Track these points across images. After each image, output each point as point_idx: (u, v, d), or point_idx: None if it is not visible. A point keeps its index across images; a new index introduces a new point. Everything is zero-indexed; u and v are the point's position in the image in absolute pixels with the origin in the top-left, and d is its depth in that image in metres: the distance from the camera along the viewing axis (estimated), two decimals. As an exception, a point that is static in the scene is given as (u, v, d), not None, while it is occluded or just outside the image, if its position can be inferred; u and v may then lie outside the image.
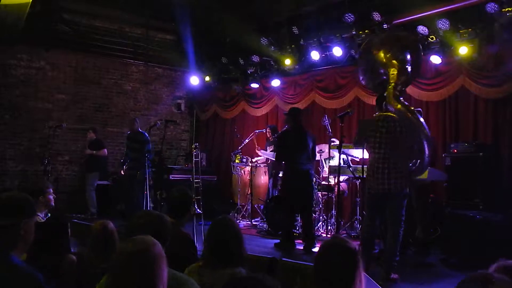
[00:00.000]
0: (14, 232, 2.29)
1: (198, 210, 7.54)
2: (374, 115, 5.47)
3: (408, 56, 5.29)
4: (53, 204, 4.26)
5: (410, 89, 7.76)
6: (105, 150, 9.53)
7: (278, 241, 6.90)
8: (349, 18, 7.78)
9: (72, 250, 4.19)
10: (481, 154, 6.41)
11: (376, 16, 7.47)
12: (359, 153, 6.83)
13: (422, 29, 7.11)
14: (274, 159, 8.54)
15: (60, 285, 3.25)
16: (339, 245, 2.16)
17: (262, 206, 9.03)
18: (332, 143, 7.17)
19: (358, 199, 7.55)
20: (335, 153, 7.11)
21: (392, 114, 5.14)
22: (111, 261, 1.97)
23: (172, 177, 9.66)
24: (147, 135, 8.82)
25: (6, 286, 2.13)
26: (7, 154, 9.60)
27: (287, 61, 9.23)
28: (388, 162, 5.02)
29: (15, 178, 9.55)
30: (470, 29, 6.75)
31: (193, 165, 7.54)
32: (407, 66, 5.26)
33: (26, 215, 2.34)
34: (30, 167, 9.74)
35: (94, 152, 9.37)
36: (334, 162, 7.69)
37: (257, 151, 9.30)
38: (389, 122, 5.11)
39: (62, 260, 3.41)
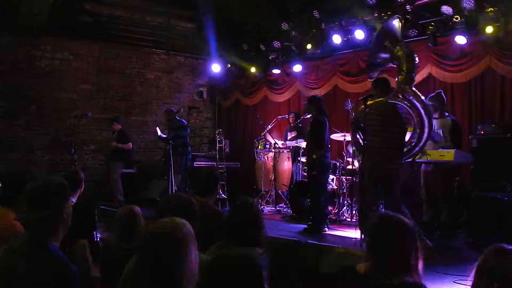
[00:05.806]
0: (55, 219, 2.31)
1: (222, 195, 7.60)
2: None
3: None
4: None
5: (434, 71, 7.67)
6: (131, 144, 9.62)
7: (305, 226, 6.94)
8: (370, 0, 7.69)
9: (98, 236, 4.33)
10: (508, 135, 6.28)
11: (399, -3, 7.37)
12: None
13: (446, 9, 6.97)
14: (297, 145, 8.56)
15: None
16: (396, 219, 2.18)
17: (285, 192, 9.06)
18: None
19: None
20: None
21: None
22: (139, 242, 1.99)
23: (196, 164, 9.74)
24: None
25: (44, 276, 2.15)
26: (34, 144, 9.80)
27: (309, 46, 9.18)
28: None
29: (42, 167, 9.74)
30: (495, 8, 6.60)
31: (217, 150, 7.57)
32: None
33: (65, 200, 2.37)
34: (57, 157, 9.92)
35: (120, 145, 9.49)
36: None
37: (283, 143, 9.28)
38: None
39: (73, 244, 3.48)
